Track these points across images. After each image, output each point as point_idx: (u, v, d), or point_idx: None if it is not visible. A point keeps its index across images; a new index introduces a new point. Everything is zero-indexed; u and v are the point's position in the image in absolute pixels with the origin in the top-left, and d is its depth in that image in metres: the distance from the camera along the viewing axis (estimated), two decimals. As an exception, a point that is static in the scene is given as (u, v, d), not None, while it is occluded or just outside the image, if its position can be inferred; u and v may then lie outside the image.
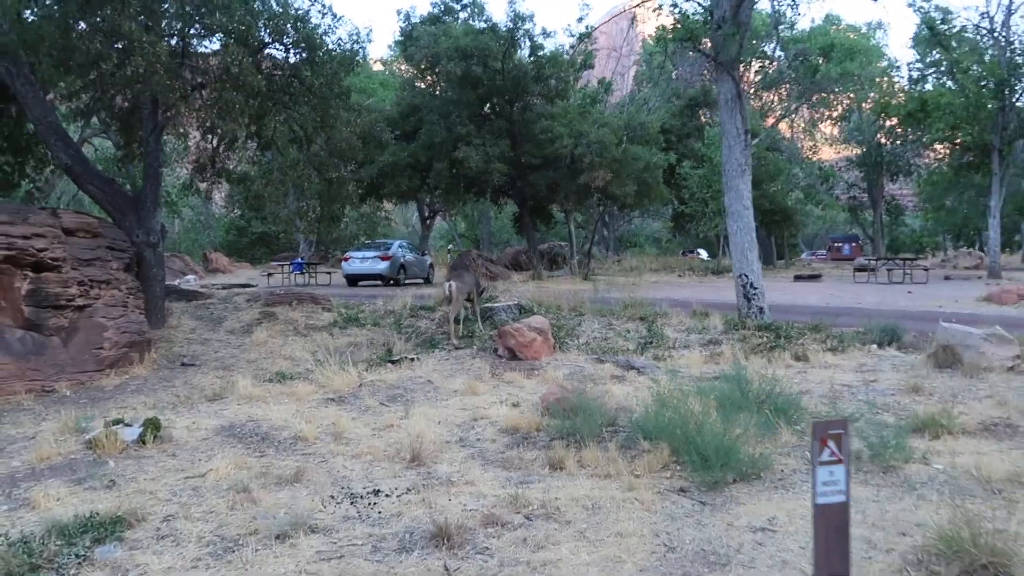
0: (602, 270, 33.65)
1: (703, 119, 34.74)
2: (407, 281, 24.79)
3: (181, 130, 9.76)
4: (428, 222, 44.56)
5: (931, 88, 29.54)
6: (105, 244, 9.11)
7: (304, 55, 9.34)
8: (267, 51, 9.33)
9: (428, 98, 24.00)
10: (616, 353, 9.48)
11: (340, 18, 9.44)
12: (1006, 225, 38.32)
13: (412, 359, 8.80)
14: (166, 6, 7.55)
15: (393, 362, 8.68)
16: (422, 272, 25.74)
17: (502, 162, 21.54)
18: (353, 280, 24.87)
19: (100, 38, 7.40)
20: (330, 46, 9.64)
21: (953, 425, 5.81)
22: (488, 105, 23.67)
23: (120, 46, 7.49)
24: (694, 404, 6.32)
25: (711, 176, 29.26)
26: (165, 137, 11.47)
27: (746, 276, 10.86)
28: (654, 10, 10.62)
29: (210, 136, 9.76)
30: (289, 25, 8.84)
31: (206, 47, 8.77)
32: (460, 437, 5.97)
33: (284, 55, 9.50)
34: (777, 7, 9.75)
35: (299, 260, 29.04)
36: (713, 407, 6.54)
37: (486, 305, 11.57)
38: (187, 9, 7.85)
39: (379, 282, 24.14)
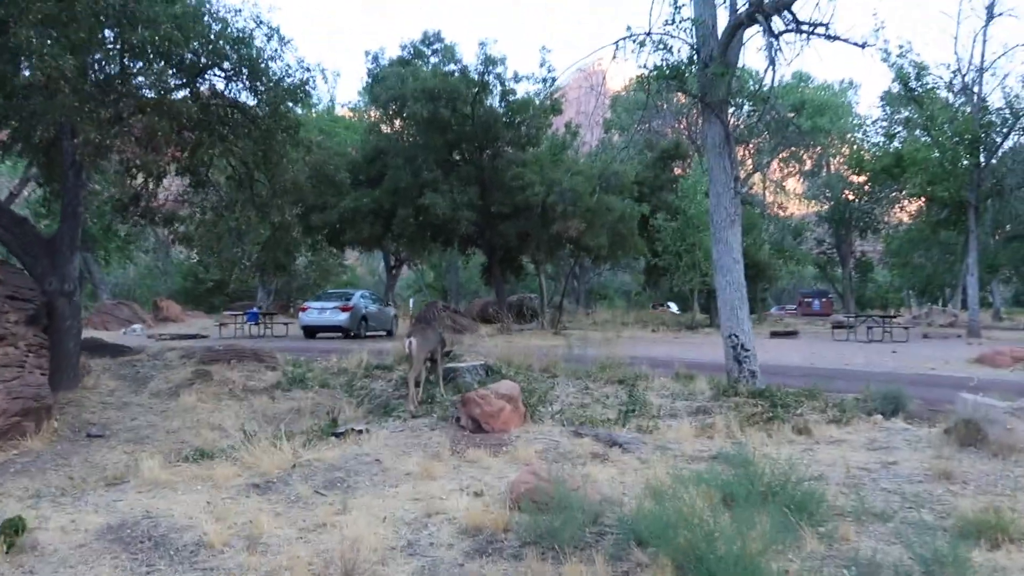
0: (573, 324, 32.74)
1: (676, 171, 34.51)
2: (369, 333, 23.63)
3: (103, 163, 8.69)
4: (394, 271, 43.49)
5: (904, 144, 29.62)
6: (4, 293, 7.88)
7: (246, 82, 8.35)
8: (205, 77, 8.32)
9: (394, 142, 23.21)
10: (595, 424, 8.41)
11: (287, 42, 8.59)
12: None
13: (360, 431, 7.63)
14: (76, 13, 6.53)
15: (337, 435, 7.51)
16: (385, 324, 24.59)
17: (470, 210, 20.72)
18: (311, 332, 23.68)
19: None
20: (275, 73, 8.66)
21: (1010, 528, 4.81)
22: (456, 151, 22.94)
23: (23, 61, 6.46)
24: (694, 497, 5.27)
25: (685, 229, 28.79)
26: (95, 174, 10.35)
27: (736, 336, 9.95)
28: (632, 51, 9.83)
29: (133, 171, 8.66)
30: (228, 47, 7.87)
31: (130, 68, 7.73)
32: (408, 541, 4.82)
33: (224, 82, 8.50)
34: (768, 52, 9.01)
35: (254, 310, 27.61)
36: (717, 500, 5.50)
37: (449, 365, 10.46)
38: (102, 19, 6.83)
39: (339, 334, 22.94)
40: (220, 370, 10.34)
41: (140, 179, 8.87)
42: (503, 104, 21.94)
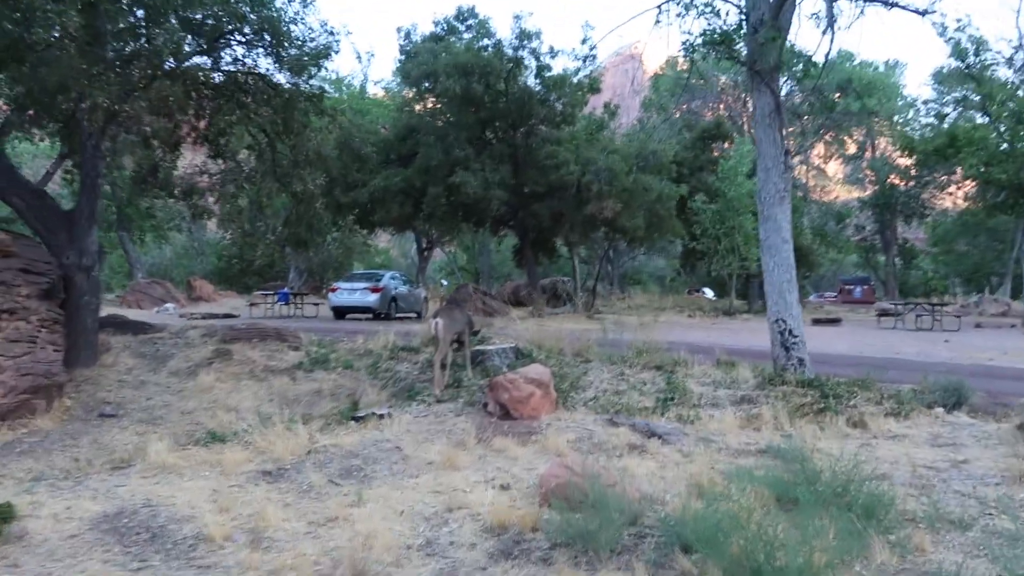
0: (607, 308, 32.08)
1: (716, 152, 33.51)
2: (398, 315, 23.33)
3: (120, 132, 8.31)
4: (426, 253, 43.18)
5: (957, 124, 28.34)
6: (17, 266, 7.59)
7: (267, 46, 7.89)
8: (224, 39, 7.85)
9: (425, 120, 22.70)
10: (632, 413, 7.89)
11: (310, 3, 8.11)
12: (1021, 272, 36.84)
13: (382, 415, 7.22)
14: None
15: (357, 419, 7.10)
16: (415, 306, 24.25)
17: (502, 189, 20.17)
18: (340, 313, 23.47)
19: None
20: (298, 37, 8.19)
21: (1112, 542, 4.21)
22: (489, 129, 22.36)
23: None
24: (746, 497, 4.76)
25: (724, 211, 27.90)
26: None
27: (784, 321, 9.32)
28: (678, 15, 9.19)
29: (150, 140, 8.27)
30: (247, 8, 7.41)
31: (143, 29, 7.31)
32: (427, 539, 4.38)
33: (244, 47, 8.05)
34: (827, 12, 8.30)
35: (285, 290, 27.48)
36: (771, 501, 4.96)
37: (477, 348, 10.00)
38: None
39: (369, 315, 22.70)
40: (241, 349, 10.02)
41: (157, 150, 8.50)
42: (538, 80, 21.30)
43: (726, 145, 34.42)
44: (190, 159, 9.15)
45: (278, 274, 43.08)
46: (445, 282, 25.80)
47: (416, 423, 7.18)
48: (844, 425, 7.56)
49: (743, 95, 41.38)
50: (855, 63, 45.98)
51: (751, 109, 9.60)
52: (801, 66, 9.60)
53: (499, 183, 19.92)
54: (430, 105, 23.68)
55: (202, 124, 7.98)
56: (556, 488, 4.92)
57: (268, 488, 5.16)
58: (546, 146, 20.85)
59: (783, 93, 32.86)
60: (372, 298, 22.61)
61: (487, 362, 9.62)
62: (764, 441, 6.86)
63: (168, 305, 28.86)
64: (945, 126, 29.82)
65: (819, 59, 10.08)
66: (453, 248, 56.67)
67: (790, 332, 9.29)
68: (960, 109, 30.13)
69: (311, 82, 8.56)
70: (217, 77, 7.38)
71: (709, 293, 50.98)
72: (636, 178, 20.57)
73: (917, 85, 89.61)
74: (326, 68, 9.21)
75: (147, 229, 35.15)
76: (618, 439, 6.67)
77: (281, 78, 8.17)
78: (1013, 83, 25.10)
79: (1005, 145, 24.29)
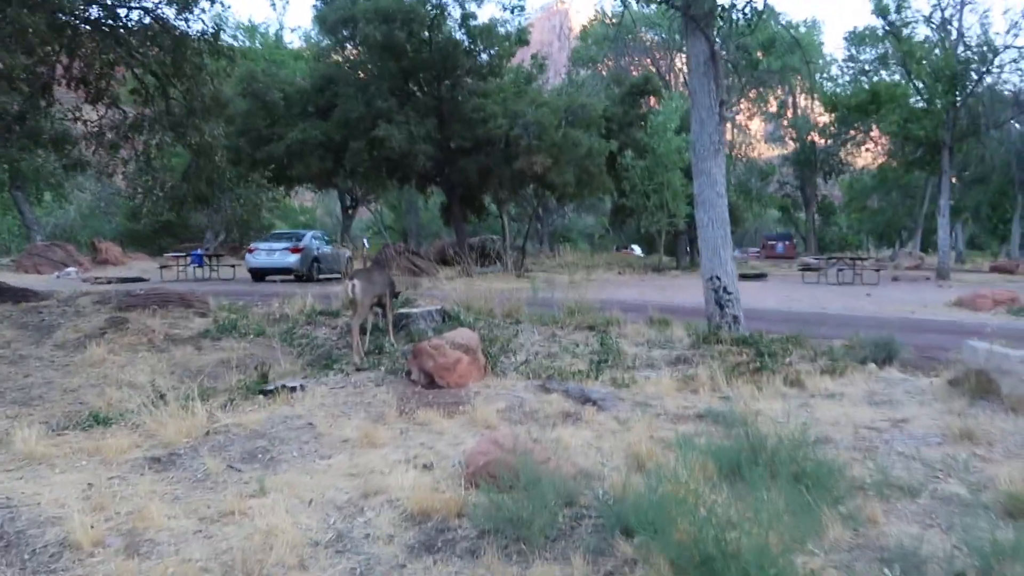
0: (537, 266, 31.80)
1: (645, 108, 33.30)
2: (321, 277, 22.47)
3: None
4: (350, 211, 41.91)
5: (877, 82, 28.80)
6: None
7: (151, -26, 6.93)
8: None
9: (345, 70, 21.52)
10: (565, 377, 7.50)
11: (201, -76, 7.17)
12: (931, 226, 38.33)
13: (294, 388, 6.60)
14: None
15: (266, 393, 6.47)
16: (338, 267, 23.37)
17: (428, 143, 19.34)
18: (259, 275, 22.48)
19: None
20: (185, -38, 7.21)
21: (1065, 505, 4.04)
22: (413, 81, 21.39)
23: None
24: (688, 469, 4.40)
25: (654, 167, 27.83)
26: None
27: (718, 279, 9.07)
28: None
29: (15, 81, 7.21)
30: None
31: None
32: (338, 532, 3.87)
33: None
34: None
35: (198, 251, 26.12)
36: (715, 473, 4.64)
37: (401, 311, 9.44)
38: None
39: (290, 277, 21.78)
40: (139, 317, 9.14)
41: (19, 93, 7.41)
42: (463, 30, 20.39)
43: (654, 102, 34.26)
44: (71, 106, 8.10)
45: (195, 235, 41.05)
46: (367, 241, 24.87)
47: (332, 395, 6.60)
48: (781, 384, 7.37)
49: (672, 52, 41.26)
50: (779, 21, 46.35)
51: (685, 58, 9.17)
52: (738, 14, 9.17)
53: (424, 137, 19.09)
54: (350, 54, 22.46)
55: (75, 64, 6.96)
56: (484, 467, 4.47)
57: (155, 479, 4.53)
58: (473, 99, 20.07)
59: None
60: (292, 259, 21.70)
61: (411, 326, 9.08)
62: (702, 404, 6.58)
63: (70, 269, 27.04)
64: (865, 81, 30.39)
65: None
66: (379, 206, 55.33)
67: (724, 289, 9.06)
68: (879, 67, 30.65)
69: (204, 18, 7.65)
70: (93, 10, 6.41)
71: (638, 250, 51.46)
72: (565, 133, 20.05)
73: (833, 46, 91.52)
74: (223, 4, 8.30)
75: (44, 188, 32.68)
76: (551, 407, 6.26)
77: (169, 12, 7.23)
78: (932, 41, 25.57)
79: (923, 103, 24.81)
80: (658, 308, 11.72)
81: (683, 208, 27.44)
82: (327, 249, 23.57)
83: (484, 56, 21.23)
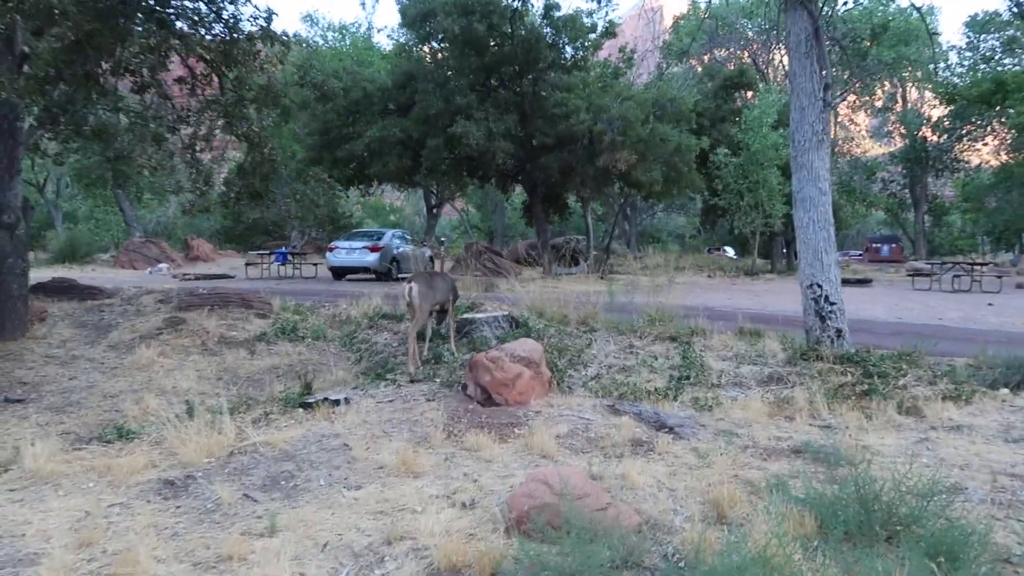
0: (623, 268, 30.76)
1: (739, 102, 31.66)
2: (400, 276, 22.24)
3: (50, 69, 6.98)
4: (435, 211, 41.91)
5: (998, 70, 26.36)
6: (-88, 223, 6.44)
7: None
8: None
9: (426, 66, 21.19)
10: (639, 396, 6.70)
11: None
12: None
13: (337, 401, 6.07)
14: None
15: (307, 406, 5.96)
16: (419, 266, 23.10)
17: (508, 140, 18.72)
18: (339, 273, 22.50)
19: None
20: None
21: None
22: (494, 76, 20.82)
23: None
24: (777, 524, 3.61)
25: (748, 165, 26.29)
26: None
27: (819, 287, 8.03)
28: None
29: (59, 69, 6.96)
30: None
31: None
32: (348, 590, 3.24)
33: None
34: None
35: (283, 250, 26.43)
36: (813, 528, 3.79)
37: (465, 316, 8.83)
38: None
39: (372, 276, 21.65)
40: (197, 318, 8.90)
41: (63, 81, 7.18)
42: (546, 21, 19.68)
43: (750, 96, 32.55)
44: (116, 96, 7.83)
45: (288, 233, 41.97)
46: (444, 240, 24.51)
47: (378, 411, 6.03)
48: (894, 412, 6.35)
49: (770, 43, 39.26)
50: (890, 8, 43.43)
51: (785, 36, 8.18)
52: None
53: (504, 133, 18.49)
54: (431, 50, 22.13)
55: (116, 49, 6.66)
56: (530, 512, 3.77)
57: (159, 508, 4.04)
58: (555, 94, 19.31)
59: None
60: (371, 258, 21.54)
61: (475, 333, 8.45)
62: (799, 434, 5.67)
63: (161, 265, 27.93)
64: (987, 70, 27.94)
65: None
66: (466, 206, 55.31)
67: (827, 299, 8.01)
68: (1000, 54, 28.08)
69: (256, 3, 7.23)
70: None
71: (730, 252, 49.37)
72: (653, 128, 19.02)
73: (950, 33, 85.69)
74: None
75: (144, 186, 34.03)
76: (620, 433, 5.49)
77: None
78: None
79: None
80: (749, 316, 10.69)
81: (779, 208, 25.82)
82: (407, 248, 23.36)
83: (568, 49, 20.49)
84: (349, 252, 21.97)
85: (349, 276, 22.36)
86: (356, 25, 47.17)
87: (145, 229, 39.29)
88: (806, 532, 3.69)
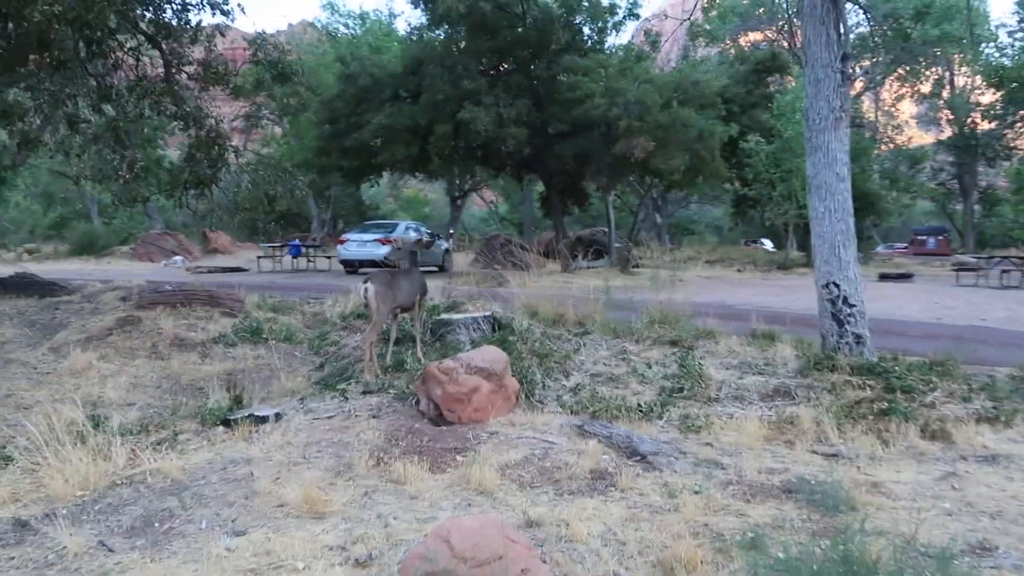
0: (652, 261, 29.75)
1: (772, 87, 30.35)
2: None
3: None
4: (458, 202, 41.28)
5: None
6: None
7: None
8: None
9: (435, 50, 20.42)
10: (617, 414, 5.87)
11: None
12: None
13: (266, 418, 5.35)
14: None
15: (229, 423, 5.25)
16: (434, 259, 22.47)
17: (520, 127, 17.88)
18: (350, 266, 22.05)
19: None
20: None
21: None
22: (507, 60, 19.99)
23: None
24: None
25: (780, 153, 25.11)
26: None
27: (836, 286, 7.09)
28: None
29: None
30: None
31: None
32: None
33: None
34: None
35: (296, 242, 25.96)
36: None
37: (442, 317, 8.06)
38: None
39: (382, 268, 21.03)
40: (156, 317, 8.29)
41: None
42: (561, 1, 18.76)
43: (783, 80, 31.21)
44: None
45: (305, 224, 41.64)
46: (452, 232, 23.82)
47: (309, 429, 5.30)
48: (917, 436, 5.43)
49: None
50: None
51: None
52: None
53: (515, 119, 17.67)
54: (440, 33, 21.36)
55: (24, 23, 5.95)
56: (424, 580, 3.00)
57: (-17, 563, 3.34)
58: (570, 77, 18.40)
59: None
60: (382, 251, 20.95)
61: (449, 336, 7.68)
62: (797, 464, 4.81)
63: (176, 258, 27.74)
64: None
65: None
66: (495, 197, 54.56)
67: (845, 300, 7.07)
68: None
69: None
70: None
71: (768, 244, 47.80)
72: (674, 113, 18.00)
73: (1001, 10, 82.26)
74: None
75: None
76: (581, 462, 4.68)
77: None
78: None
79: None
80: (770, 315, 9.69)
81: (814, 198, 24.64)
82: (413, 238, 22.76)
83: (587, 30, 19.57)
84: (360, 245, 21.51)
85: (362, 269, 21.85)
86: (376, 12, 46.61)
87: (169, 222, 39.25)
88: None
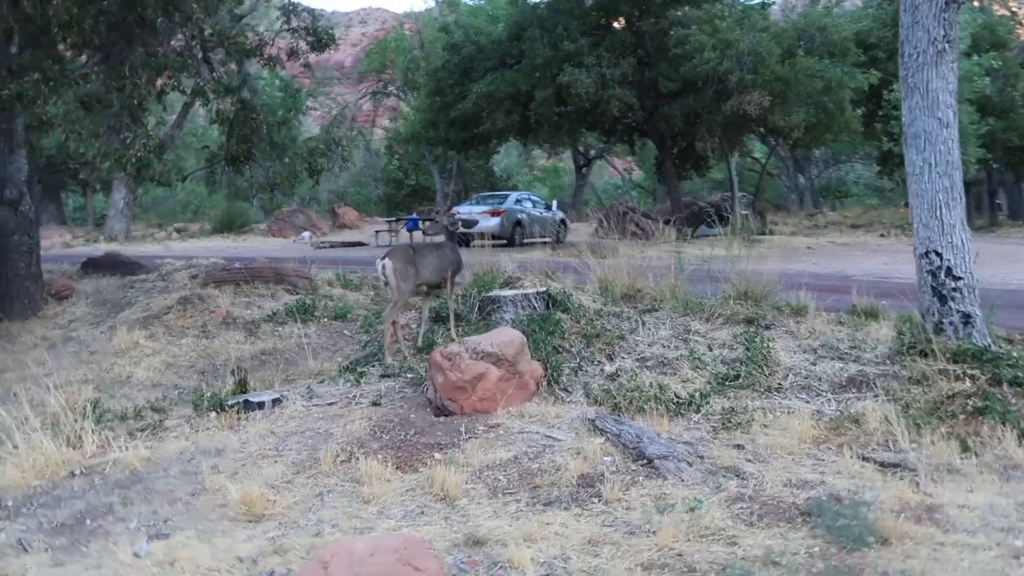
0: (786, 227, 27.74)
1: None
2: (525, 242, 21.30)
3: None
4: (583, 170, 40.47)
5: None
6: None
7: None
8: None
9: (537, 10, 19.68)
10: (646, 405, 5.15)
11: None
12: None
13: (262, 404, 5.13)
14: None
15: (222, 409, 5.06)
16: (548, 231, 21.97)
17: (626, 88, 16.87)
18: (461, 240, 21.87)
19: None
20: None
21: None
22: (612, 16, 18.92)
23: None
24: None
25: (931, 102, 22.39)
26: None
27: (937, 254, 5.93)
28: None
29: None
30: None
31: None
32: None
33: None
34: None
35: (414, 216, 26.25)
36: None
37: (491, 294, 7.57)
38: None
39: (503, 242, 20.74)
40: (216, 295, 8.38)
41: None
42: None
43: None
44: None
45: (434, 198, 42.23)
46: (555, 203, 23.12)
47: (300, 417, 5.01)
48: (1014, 444, 4.35)
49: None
50: None
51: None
52: None
53: (619, 80, 16.67)
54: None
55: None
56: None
57: None
58: (676, 29, 17.12)
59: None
60: (492, 223, 20.71)
61: (495, 314, 7.19)
62: (840, 476, 3.97)
63: (305, 234, 28.89)
64: None
65: None
66: (629, 164, 53.09)
67: (948, 272, 5.90)
68: None
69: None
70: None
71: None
72: (795, 63, 16.30)
73: None
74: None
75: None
76: (574, 465, 4.08)
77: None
78: None
79: None
80: (889, 288, 8.43)
81: (973, 152, 21.85)
82: (535, 212, 22.34)
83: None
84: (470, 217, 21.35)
85: (474, 243, 21.71)
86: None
87: (303, 199, 40.98)
88: None
